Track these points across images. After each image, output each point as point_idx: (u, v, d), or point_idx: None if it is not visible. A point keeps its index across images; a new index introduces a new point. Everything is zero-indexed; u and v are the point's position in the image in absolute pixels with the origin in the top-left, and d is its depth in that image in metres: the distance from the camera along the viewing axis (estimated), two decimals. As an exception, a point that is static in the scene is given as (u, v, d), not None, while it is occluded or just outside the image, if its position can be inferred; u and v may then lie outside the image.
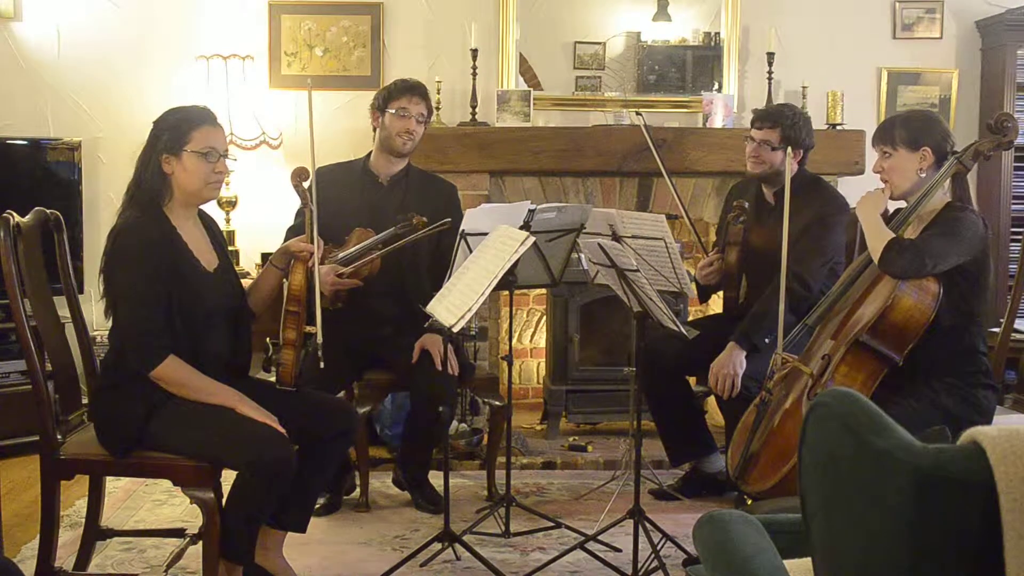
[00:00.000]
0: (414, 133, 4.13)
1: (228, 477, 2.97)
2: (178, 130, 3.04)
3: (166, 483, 3.86)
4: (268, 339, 3.24)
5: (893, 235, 3.26)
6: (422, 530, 3.91)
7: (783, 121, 4.09)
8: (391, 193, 4.17)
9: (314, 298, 3.20)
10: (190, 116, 3.08)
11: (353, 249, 3.89)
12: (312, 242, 3.26)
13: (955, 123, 5.65)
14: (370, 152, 4.25)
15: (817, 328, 3.58)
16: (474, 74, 5.33)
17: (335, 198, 3.92)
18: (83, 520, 3.40)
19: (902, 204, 3.46)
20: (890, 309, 3.21)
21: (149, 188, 3.04)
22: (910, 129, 3.35)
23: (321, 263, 3.43)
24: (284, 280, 3.33)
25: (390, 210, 4.08)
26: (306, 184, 3.38)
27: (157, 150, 3.03)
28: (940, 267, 3.21)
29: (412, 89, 4.14)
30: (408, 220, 3.93)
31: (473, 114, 5.33)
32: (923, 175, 3.34)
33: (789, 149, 3.88)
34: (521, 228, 3.45)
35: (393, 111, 4.09)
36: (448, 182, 4.40)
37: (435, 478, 4.18)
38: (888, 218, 3.56)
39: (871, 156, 3.52)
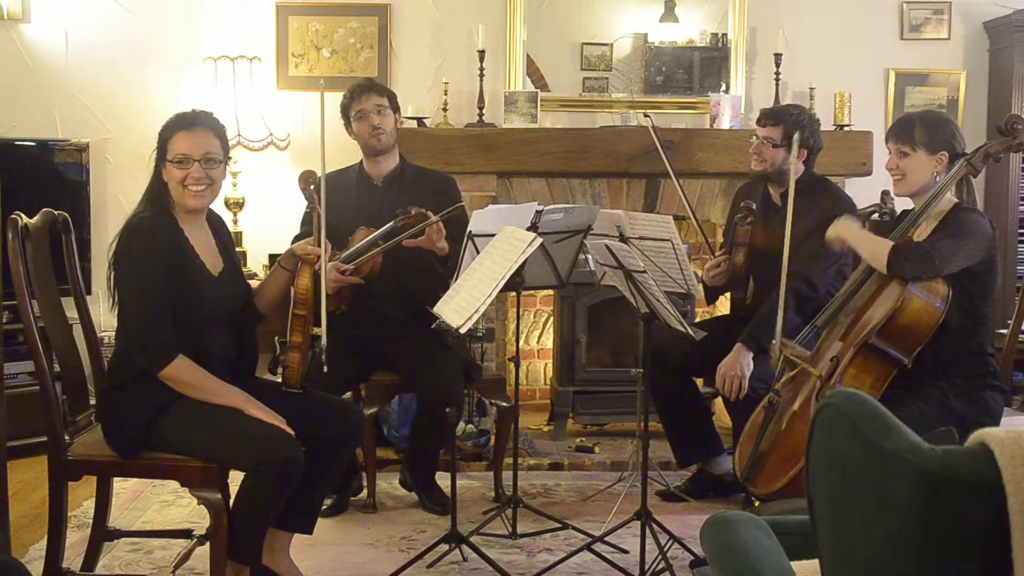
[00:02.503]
0: (380, 126, 4.11)
1: (235, 478, 2.97)
2: (163, 140, 3.09)
3: (173, 484, 3.86)
4: (276, 339, 3.24)
5: (890, 242, 3.28)
6: (429, 531, 3.92)
7: (786, 119, 4.10)
8: (387, 192, 4.17)
9: (320, 301, 3.19)
10: (171, 124, 3.10)
11: (354, 248, 3.89)
12: (319, 245, 3.26)
13: (963, 124, 5.61)
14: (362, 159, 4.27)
15: (825, 330, 3.57)
16: (481, 75, 5.33)
17: (335, 203, 3.91)
18: (91, 521, 3.41)
19: (907, 203, 3.47)
20: (899, 311, 3.20)
21: (158, 192, 3.08)
22: (930, 132, 3.34)
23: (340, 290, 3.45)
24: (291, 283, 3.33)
25: (389, 209, 4.08)
26: (313, 187, 3.38)
27: (157, 159, 3.08)
28: (950, 268, 3.21)
29: (358, 88, 4.16)
30: (406, 212, 3.91)
31: (480, 115, 5.33)
32: (937, 178, 3.34)
33: (795, 148, 3.87)
34: (528, 229, 3.45)
35: (352, 116, 4.12)
36: (445, 174, 4.40)
37: (442, 479, 4.19)
38: (897, 219, 3.56)
39: (879, 157, 3.53)
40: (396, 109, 4.21)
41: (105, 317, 4.96)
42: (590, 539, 3.65)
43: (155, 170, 3.09)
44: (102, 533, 3.37)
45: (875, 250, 3.33)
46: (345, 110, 4.16)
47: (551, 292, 5.53)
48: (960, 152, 3.35)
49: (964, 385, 3.28)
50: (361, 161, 4.26)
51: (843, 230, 3.50)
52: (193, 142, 3.05)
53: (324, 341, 3.08)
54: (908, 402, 3.22)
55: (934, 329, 3.22)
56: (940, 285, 3.23)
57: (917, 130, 3.35)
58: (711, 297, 4.44)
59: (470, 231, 3.56)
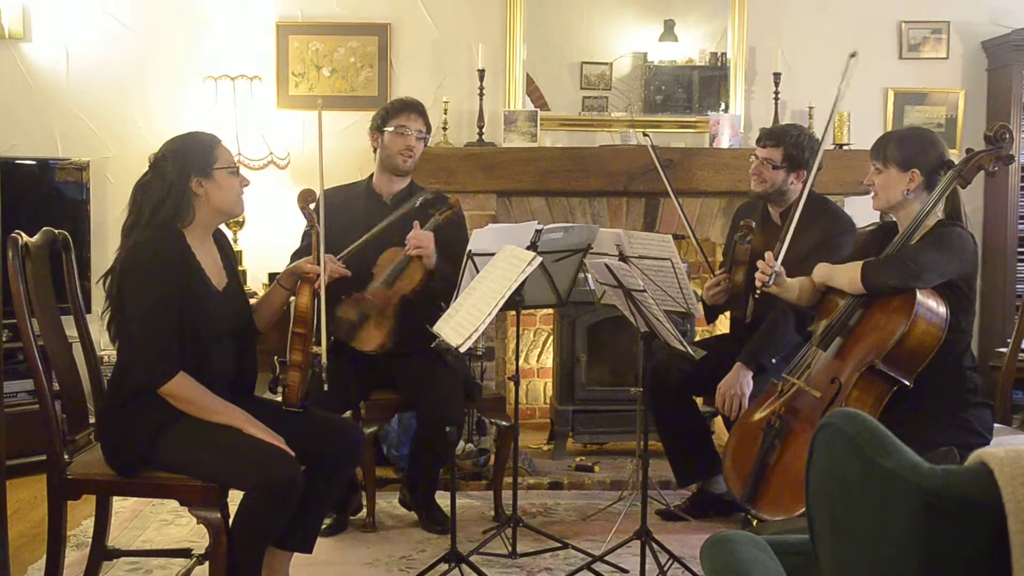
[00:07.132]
0: (414, 150, 4.15)
1: (235, 497, 2.97)
2: (204, 153, 3.10)
3: (173, 503, 3.86)
4: (276, 359, 3.25)
5: (860, 262, 3.32)
6: (428, 550, 3.91)
7: (786, 140, 4.10)
8: (395, 210, 4.18)
9: (321, 319, 3.19)
10: (207, 139, 3.16)
11: (390, 268, 3.90)
12: (319, 263, 3.27)
13: (961, 143, 5.63)
14: (372, 173, 4.28)
15: (814, 348, 3.52)
16: (481, 94, 5.35)
17: (340, 219, 3.93)
18: (90, 540, 3.40)
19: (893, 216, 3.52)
20: (906, 336, 3.18)
21: (171, 211, 3.05)
22: (903, 149, 3.37)
23: (330, 285, 3.42)
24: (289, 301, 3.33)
25: (396, 226, 4.09)
26: (312, 206, 3.39)
27: (185, 174, 3.05)
28: (929, 277, 3.21)
29: (409, 106, 4.18)
30: (447, 205, 4.00)
31: (480, 134, 5.34)
32: (909, 195, 3.35)
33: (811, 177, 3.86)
34: (528, 248, 3.45)
35: (391, 129, 4.13)
36: (452, 199, 4.41)
37: (442, 498, 4.18)
38: (887, 232, 3.54)
39: (877, 176, 3.53)
40: (426, 143, 4.27)
41: (105, 336, 4.95)
42: (590, 559, 3.64)
43: (178, 187, 3.04)
44: (101, 552, 3.36)
45: (849, 275, 3.36)
46: (383, 119, 4.17)
47: (551, 311, 5.53)
48: (944, 169, 3.35)
49: (943, 409, 3.26)
50: (371, 176, 4.27)
51: (821, 270, 3.51)
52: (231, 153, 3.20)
53: (324, 360, 3.07)
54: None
55: (936, 349, 3.21)
56: (940, 306, 3.22)
57: (890, 147, 3.40)
58: (711, 316, 4.43)
59: (470, 250, 3.56)
